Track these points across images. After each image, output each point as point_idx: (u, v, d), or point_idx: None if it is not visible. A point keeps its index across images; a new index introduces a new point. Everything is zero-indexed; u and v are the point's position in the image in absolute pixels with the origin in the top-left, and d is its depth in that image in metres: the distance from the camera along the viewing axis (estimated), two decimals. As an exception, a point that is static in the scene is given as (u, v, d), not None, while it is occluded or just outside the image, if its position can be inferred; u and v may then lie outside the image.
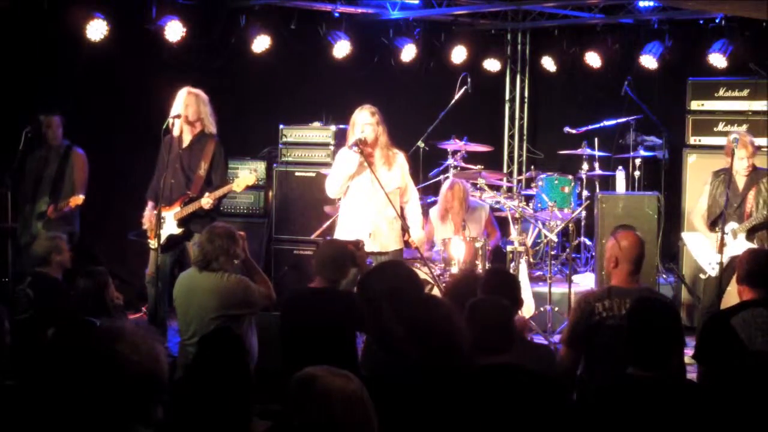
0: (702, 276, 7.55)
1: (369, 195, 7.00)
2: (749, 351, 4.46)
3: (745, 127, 8.57)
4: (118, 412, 2.68)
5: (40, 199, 7.84)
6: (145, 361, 2.71)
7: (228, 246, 5.54)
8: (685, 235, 7.98)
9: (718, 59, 9.31)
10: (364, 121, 6.96)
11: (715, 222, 7.45)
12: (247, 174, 7.24)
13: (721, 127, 8.84)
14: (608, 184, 9.83)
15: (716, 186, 7.50)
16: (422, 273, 7.30)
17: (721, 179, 7.48)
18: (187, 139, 7.37)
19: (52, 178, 7.86)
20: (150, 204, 7.43)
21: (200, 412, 3.23)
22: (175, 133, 7.29)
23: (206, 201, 7.16)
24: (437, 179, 9.42)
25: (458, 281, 5.45)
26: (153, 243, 7.32)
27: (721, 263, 6.97)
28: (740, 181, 7.43)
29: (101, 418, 2.68)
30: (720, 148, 7.82)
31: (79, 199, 7.69)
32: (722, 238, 6.96)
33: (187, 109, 7.26)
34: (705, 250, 7.50)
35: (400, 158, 7.15)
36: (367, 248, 6.98)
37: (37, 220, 7.82)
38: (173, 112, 7.24)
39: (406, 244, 7.23)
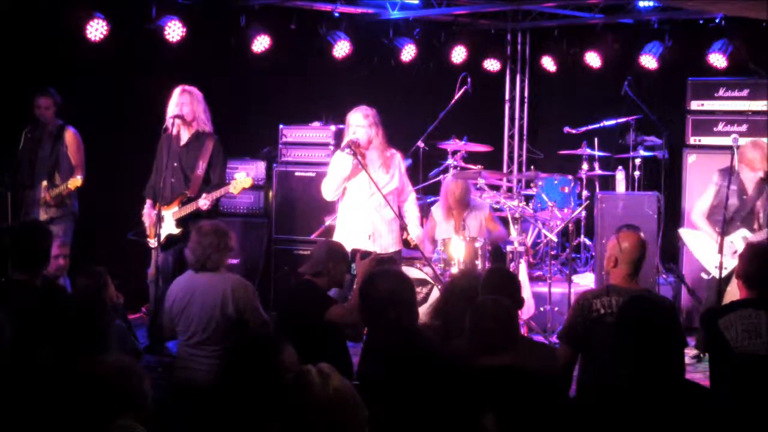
0: (705, 276, 7.48)
1: (367, 196, 7.01)
2: (734, 354, 4.45)
3: (744, 127, 8.57)
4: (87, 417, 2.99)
5: (38, 183, 7.77)
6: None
7: (217, 241, 5.48)
8: (683, 232, 7.83)
9: (718, 59, 9.31)
10: (356, 123, 6.99)
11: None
12: (243, 176, 7.18)
13: (721, 127, 8.83)
14: (608, 184, 9.82)
15: (724, 188, 7.39)
16: (423, 273, 7.32)
17: (730, 182, 7.38)
18: (184, 138, 7.37)
19: (47, 160, 7.79)
20: (148, 202, 7.43)
21: (230, 417, 3.25)
22: (173, 131, 7.29)
23: (203, 202, 7.15)
24: (437, 179, 9.42)
25: (458, 280, 5.47)
26: (152, 242, 7.32)
27: (720, 264, 6.94)
28: (749, 187, 7.36)
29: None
30: (720, 148, 7.78)
31: (78, 181, 7.61)
32: (722, 239, 6.93)
33: (183, 108, 7.26)
34: (709, 250, 7.39)
35: (397, 159, 7.17)
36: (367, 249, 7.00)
37: (38, 205, 7.80)
38: (170, 112, 7.23)
39: (405, 242, 7.23)
